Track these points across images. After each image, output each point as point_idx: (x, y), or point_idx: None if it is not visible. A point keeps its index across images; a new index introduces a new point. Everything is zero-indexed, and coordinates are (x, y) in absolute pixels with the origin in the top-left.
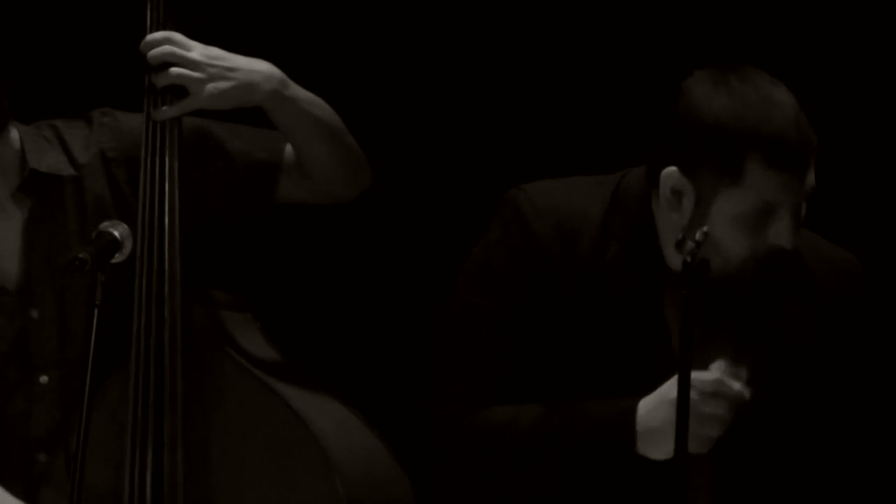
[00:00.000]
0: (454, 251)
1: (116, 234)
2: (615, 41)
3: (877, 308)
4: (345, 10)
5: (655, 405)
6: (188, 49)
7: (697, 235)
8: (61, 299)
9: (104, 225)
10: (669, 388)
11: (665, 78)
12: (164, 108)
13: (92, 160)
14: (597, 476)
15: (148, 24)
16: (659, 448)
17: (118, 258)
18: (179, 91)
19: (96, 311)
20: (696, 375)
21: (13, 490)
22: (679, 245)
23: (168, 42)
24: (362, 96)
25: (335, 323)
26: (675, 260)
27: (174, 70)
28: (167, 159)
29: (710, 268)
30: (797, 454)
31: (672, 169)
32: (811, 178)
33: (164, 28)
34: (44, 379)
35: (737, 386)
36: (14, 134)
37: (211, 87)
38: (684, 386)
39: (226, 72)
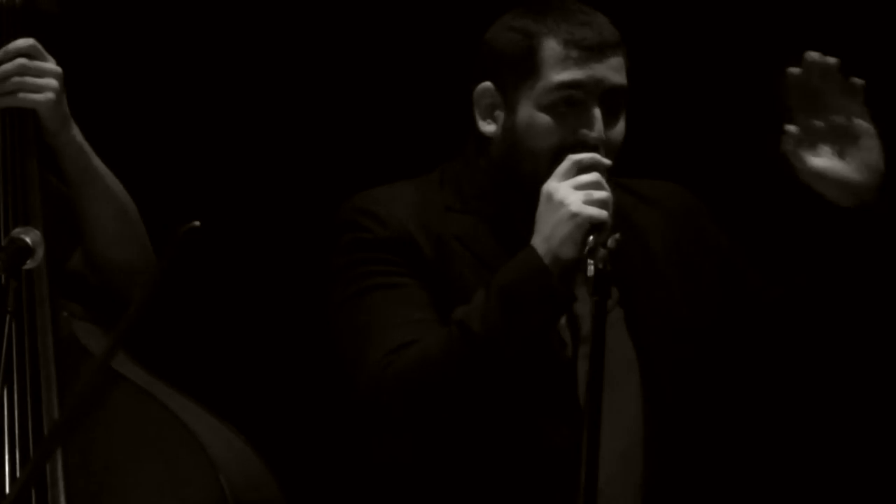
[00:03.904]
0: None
1: (28, 240)
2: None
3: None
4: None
5: (541, 223)
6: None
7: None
8: None
9: (16, 231)
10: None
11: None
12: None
13: None
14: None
15: None
16: (570, 241)
17: (30, 264)
18: None
19: (8, 318)
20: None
21: None
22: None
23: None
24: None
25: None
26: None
27: None
28: (28, 168)
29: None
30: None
31: (485, 83)
32: (615, 71)
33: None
34: None
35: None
36: None
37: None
38: (595, 391)
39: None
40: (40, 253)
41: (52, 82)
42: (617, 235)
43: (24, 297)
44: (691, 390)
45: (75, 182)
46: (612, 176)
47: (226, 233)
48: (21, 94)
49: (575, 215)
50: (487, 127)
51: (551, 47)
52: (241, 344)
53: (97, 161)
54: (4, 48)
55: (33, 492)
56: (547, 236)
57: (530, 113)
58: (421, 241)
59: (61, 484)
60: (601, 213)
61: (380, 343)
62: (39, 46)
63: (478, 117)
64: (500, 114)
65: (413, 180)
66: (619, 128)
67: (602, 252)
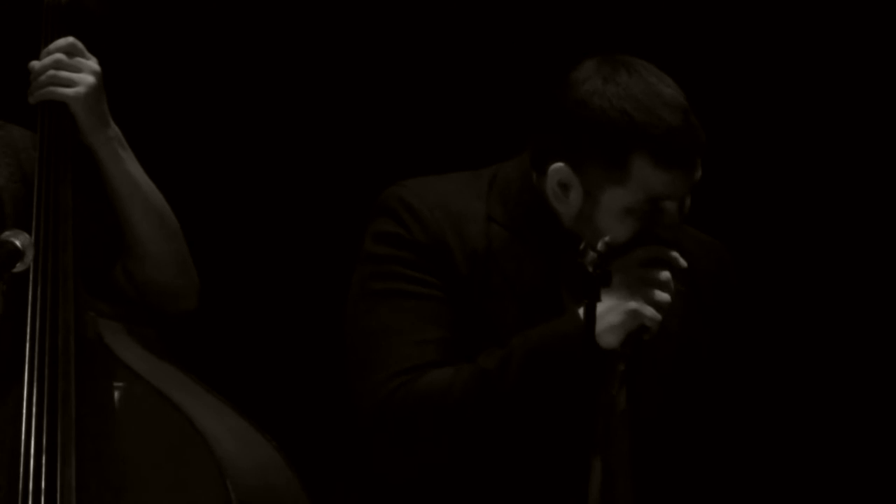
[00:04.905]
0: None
1: (18, 243)
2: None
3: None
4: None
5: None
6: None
7: (599, 246)
8: None
9: (5, 234)
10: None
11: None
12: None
13: None
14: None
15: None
16: (615, 333)
17: (19, 267)
18: None
19: None
20: (628, 256)
21: None
22: (581, 255)
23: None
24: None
25: (230, 331)
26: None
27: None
28: (61, 165)
29: (611, 278)
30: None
31: (560, 165)
32: (698, 174)
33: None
34: None
35: (671, 252)
36: None
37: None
38: (587, 402)
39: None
40: (30, 256)
41: (87, 78)
42: (607, 238)
43: (48, 295)
44: (676, 469)
45: (111, 188)
46: None
47: (278, 230)
48: (52, 88)
49: (633, 312)
50: (560, 205)
51: (643, 162)
52: (291, 349)
53: (138, 170)
54: (47, 48)
55: (43, 492)
56: (597, 315)
57: (610, 209)
58: (456, 253)
59: (73, 483)
60: (655, 318)
61: (394, 358)
62: (79, 45)
63: (549, 193)
64: (575, 196)
65: (464, 174)
66: (686, 206)
67: (591, 255)
